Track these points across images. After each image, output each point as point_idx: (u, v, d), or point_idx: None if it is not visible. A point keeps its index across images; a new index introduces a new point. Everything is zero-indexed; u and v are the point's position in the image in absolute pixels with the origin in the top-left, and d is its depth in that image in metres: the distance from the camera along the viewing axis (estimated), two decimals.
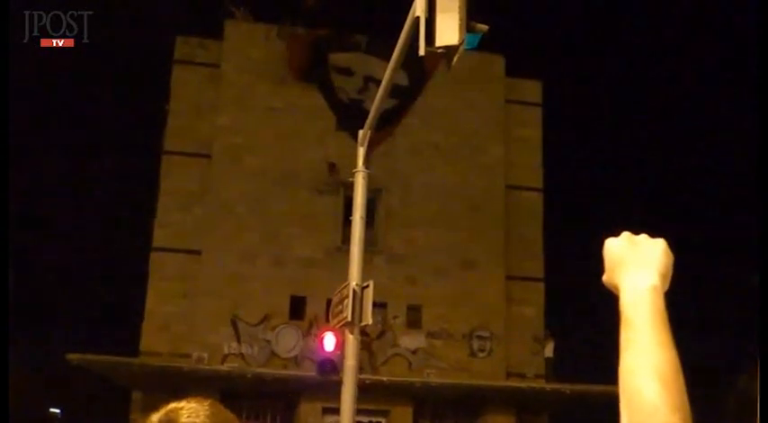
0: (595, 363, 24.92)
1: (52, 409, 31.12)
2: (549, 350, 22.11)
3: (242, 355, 20.90)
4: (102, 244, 29.87)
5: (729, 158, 35.68)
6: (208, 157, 22.18)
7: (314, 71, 22.71)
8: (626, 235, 1.44)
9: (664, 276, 1.36)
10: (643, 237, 1.42)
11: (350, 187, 10.92)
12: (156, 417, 1.53)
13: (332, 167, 21.43)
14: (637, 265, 1.37)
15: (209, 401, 1.57)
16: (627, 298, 1.35)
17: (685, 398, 1.22)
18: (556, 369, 22.45)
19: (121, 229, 27.77)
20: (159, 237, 21.99)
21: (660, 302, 1.34)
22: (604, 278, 1.45)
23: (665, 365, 1.25)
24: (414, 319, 21.89)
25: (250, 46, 22.89)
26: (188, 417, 1.51)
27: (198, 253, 21.52)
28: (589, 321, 29.71)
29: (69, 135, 31.53)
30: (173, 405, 1.55)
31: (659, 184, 38.54)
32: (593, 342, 28.31)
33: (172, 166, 22.48)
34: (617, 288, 1.40)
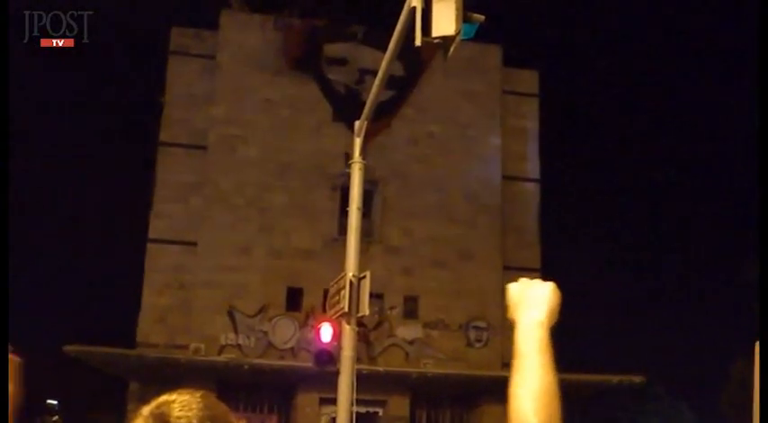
0: (589, 353, 25.01)
1: (49, 401, 31.13)
2: None
3: (239, 346, 20.92)
4: (99, 235, 29.83)
5: (728, 144, 35.68)
6: (204, 148, 22.13)
7: (309, 61, 22.66)
8: (523, 280, 1.77)
9: (551, 313, 1.67)
10: (536, 281, 1.75)
11: (347, 178, 10.91)
12: (147, 410, 1.49)
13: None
14: (529, 305, 1.68)
15: (200, 393, 1.53)
16: (520, 332, 1.64)
17: (556, 415, 1.50)
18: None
19: (118, 220, 27.73)
20: (155, 228, 21.96)
21: (545, 335, 1.63)
22: (508, 314, 1.73)
23: (542, 389, 1.54)
24: (410, 310, 21.92)
25: (246, 37, 22.80)
26: (180, 410, 1.47)
27: (194, 244, 21.49)
28: (584, 312, 29.78)
29: (67, 128, 31.48)
30: (164, 398, 1.51)
31: (656, 174, 38.54)
32: (588, 332, 28.41)
33: (167, 158, 22.42)
34: (515, 323, 1.68)
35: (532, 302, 1.70)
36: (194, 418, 1.45)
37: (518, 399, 1.55)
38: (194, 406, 1.48)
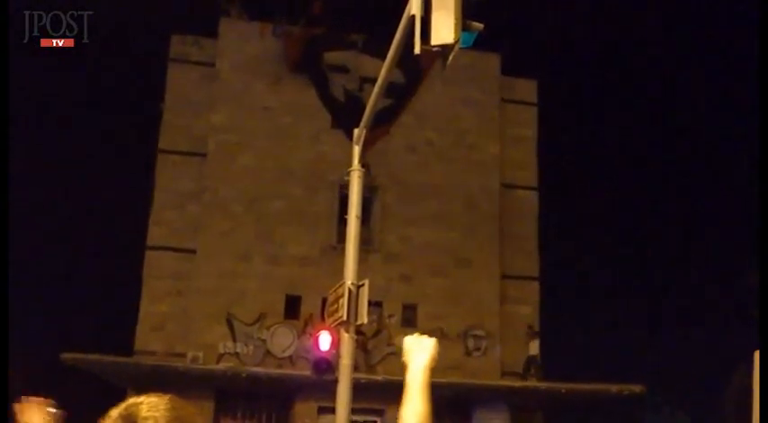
0: (588, 362, 24.97)
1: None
2: (533, 348, 22.10)
3: (237, 355, 20.86)
4: (97, 242, 29.77)
5: (730, 153, 35.72)
6: (203, 155, 22.14)
7: (309, 68, 22.71)
8: (416, 335, 2.53)
9: (432, 360, 2.43)
10: (425, 337, 2.50)
11: (345, 186, 10.90)
12: (115, 412, 1.54)
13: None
14: (418, 353, 2.43)
15: (168, 396, 1.58)
16: (410, 372, 2.38)
17: None
18: (550, 367, 22.47)
19: (116, 227, 27.68)
20: (154, 235, 21.94)
21: (427, 376, 2.40)
22: (403, 358, 2.49)
23: (423, 413, 2.25)
24: (409, 318, 21.87)
25: (245, 44, 22.85)
26: (148, 411, 1.51)
27: (193, 252, 21.47)
28: (583, 321, 29.75)
29: (66, 135, 31.43)
30: (132, 400, 1.57)
31: (656, 183, 38.57)
32: (587, 341, 28.36)
33: (166, 165, 22.42)
34: (407, 365, 2.40)
35: (420, 351, 2.43)
36: (162, 419, 1.50)
37: (405, 419, 2.21)
38: (162, 407, 1.53)
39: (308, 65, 22.64)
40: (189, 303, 21.12)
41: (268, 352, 21.00)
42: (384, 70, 9.06)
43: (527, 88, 24.82)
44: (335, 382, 9.86)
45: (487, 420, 21.09)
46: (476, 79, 23.19)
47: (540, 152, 24.40)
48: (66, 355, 19.32)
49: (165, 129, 22.65)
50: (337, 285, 10.04)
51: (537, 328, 22.72)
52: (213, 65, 22.72)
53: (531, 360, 21.97)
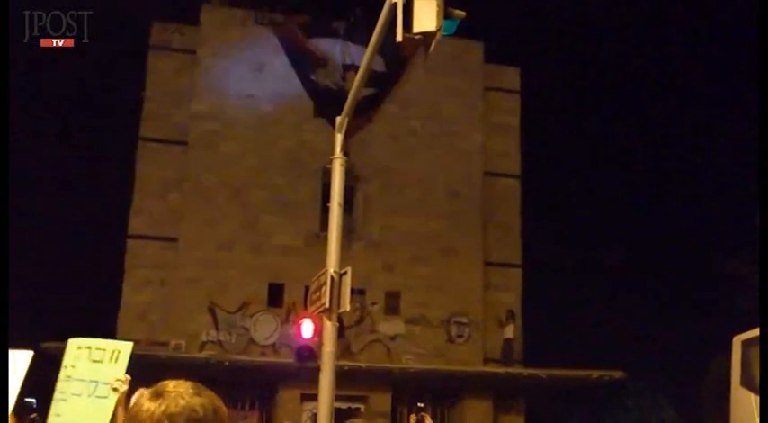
0: (569, 348, 25.16)
1: (27, 399, 30.83)
2: (508, 331, 22.24)
3: (220, 343, 20.85)
4: (78, 231, 29.55)
5: (712, 140, 35.96)
6: (184, 143, 22.02)
7: (292, 55, 22.62)
8: None
9: None
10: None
11: (328, 174, 10.87)
12: (147, 391, 1.83)
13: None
14: None
15: (191, 382, 1.86)
16: None
17: None
18: (532, 354, 22.64)
19: (97, 216, 27.50)
20: (135, 224, 21.83)
21: None
22: None
23: None
24: (392, 306, 21.94)
25: (227, 32, 22.70)
26: (175, 387, 1.80)
27: (175, 240, 21.39)
28: (564, 308, 29.96)
29: (43, 122, 31.12)
30: (161, 383, 1.85)
31: (638, 170, 38.81)
32: (568, 328, 28.58)
33: (148, 153, 22.29)
34: None
35: None
36: (186, 394, 1.78)
37: None
38: (188, 384, 1.83)
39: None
40: (171, 292, 21.06)
41: (251, 340, 21.00)
42: (366, 58, 9.03)
43: (510, 76, 24.86)
44: (318, 369, 9.87)
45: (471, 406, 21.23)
46: (459, 67, 23.18)
47: (524, 140, 24.47)
48: (47, 344, 19.19)
49: (146, 117, 22.50)
50: (320, 273, 10.04)
51: (518, 314, 22.84)
52: (194, 52, 22.56)
53: (507, 343, 22.09)
